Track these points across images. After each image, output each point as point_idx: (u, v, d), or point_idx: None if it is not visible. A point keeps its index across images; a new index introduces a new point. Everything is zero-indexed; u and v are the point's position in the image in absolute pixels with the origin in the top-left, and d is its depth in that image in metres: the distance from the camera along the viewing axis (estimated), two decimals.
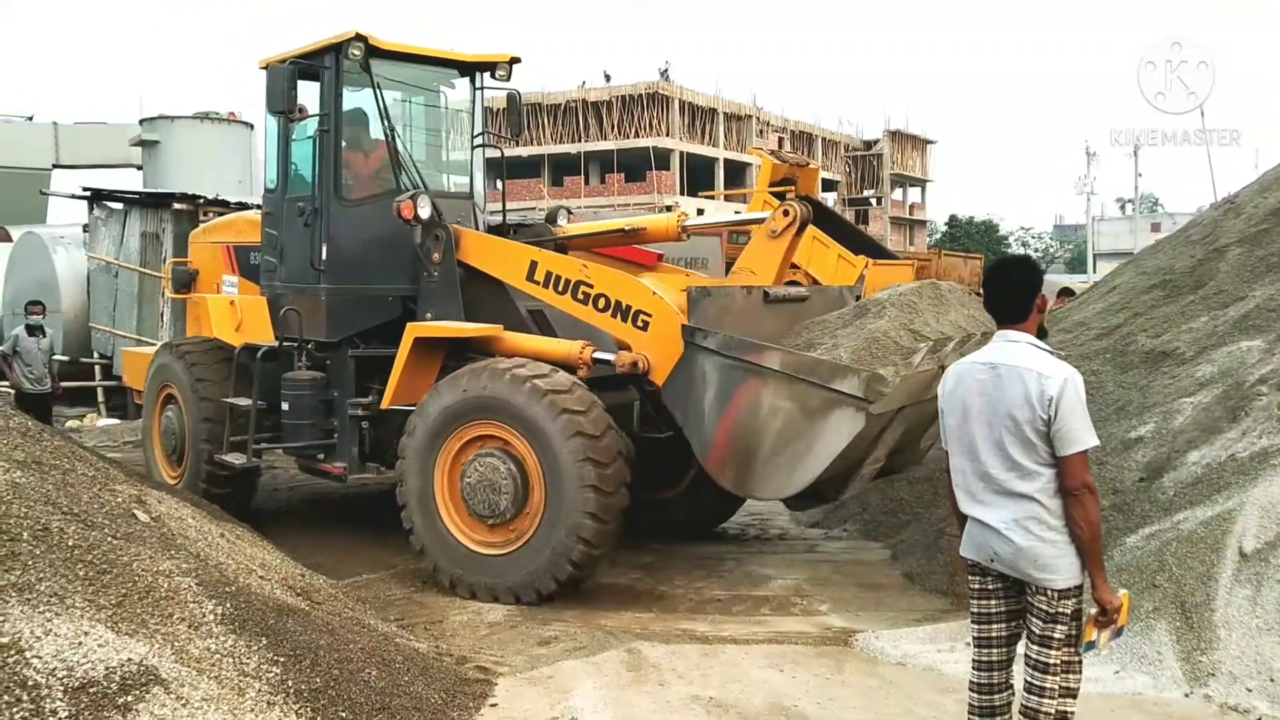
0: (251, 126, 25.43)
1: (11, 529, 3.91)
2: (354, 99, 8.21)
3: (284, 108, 7.76)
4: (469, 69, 8.58)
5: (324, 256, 7.89)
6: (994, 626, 3.79)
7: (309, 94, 8.09)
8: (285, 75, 7.65)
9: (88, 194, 17.00)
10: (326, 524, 9.26)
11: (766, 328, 6.83)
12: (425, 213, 7.62)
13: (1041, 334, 3.78)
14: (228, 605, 4.37)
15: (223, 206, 15.16)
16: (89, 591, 3.85)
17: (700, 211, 55.17)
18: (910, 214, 79.83)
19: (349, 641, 4.87)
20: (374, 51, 7.86)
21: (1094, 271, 48.24)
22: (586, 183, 59.68)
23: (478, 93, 8.65)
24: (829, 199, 64.83)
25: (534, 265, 7.43)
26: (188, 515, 5.78)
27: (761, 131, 64.86)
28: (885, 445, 6.44)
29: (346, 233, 7.92)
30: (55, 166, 28.67)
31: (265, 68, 8.05)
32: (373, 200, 8.08)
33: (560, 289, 7.23)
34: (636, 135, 58.66)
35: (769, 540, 8.42)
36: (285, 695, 4.02)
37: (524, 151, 60.90)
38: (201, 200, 15.66)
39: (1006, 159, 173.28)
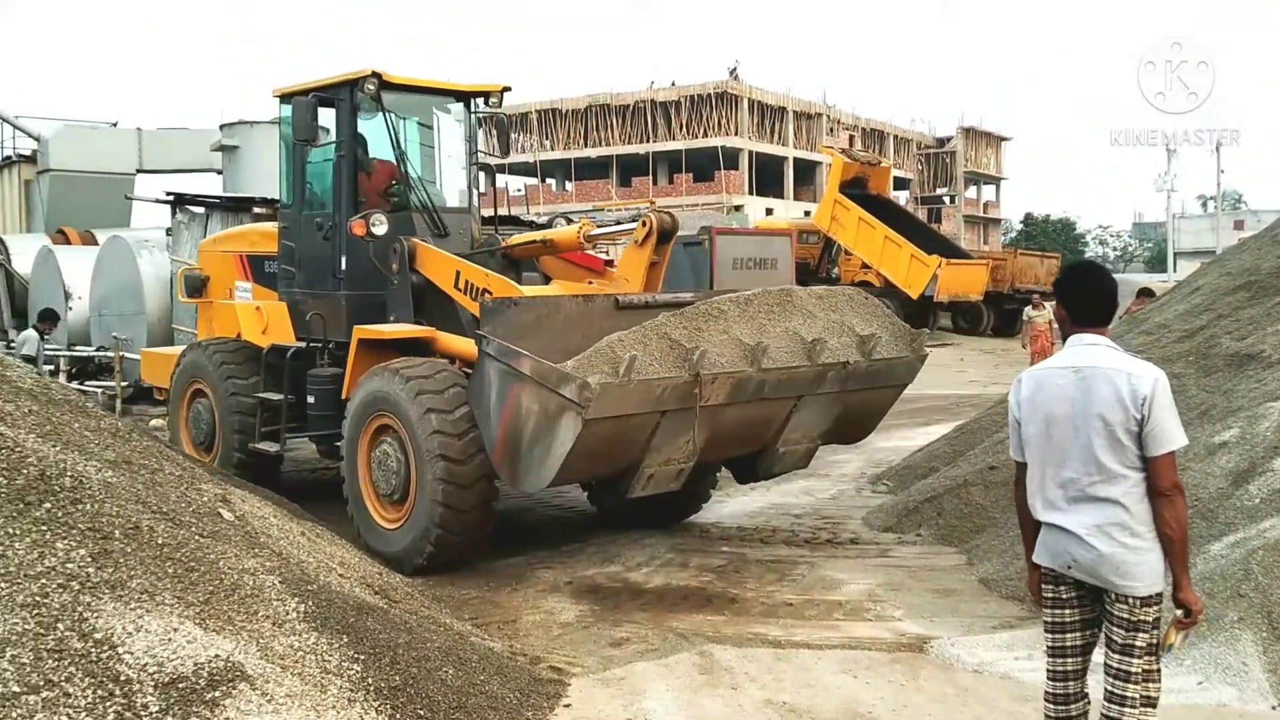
0: (328, 131, 25.79)
1: (104, 527, 4.02)
2: (365, 125, 9.09)
3: (308, 136, 8.69)
4: (465, 97, 9.53)
5: (343, 266, 8.85)
6: (1069, 635, 3.74)
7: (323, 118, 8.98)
8: (308, 107, 8.55)
9: (170, 198, 17.42)
10: None
11: (609, 332, 6.96)
12: (380, 230, 8.49)
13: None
14: (310, 603, 4.46)
15: None
16: (178, 589, 3.95)
17: (769, 211, 55.03)
18: (984, 212, 78.70)
19: (426, 640, 4.94)
20: (385, 84, 8.77)
21: (1174, 271, 47.09)
22: (654, 183, 59.76)
23: (472, 117, 9.62)
24: (901, 197, 64.11)
25: (458, 274, 8.28)
26: (269, 514, 5.91)
27: (832, 130, 64.41)
28: (679, 448, 7.05)
29: (362, 245, 8.62)
30: (139, 171, 29.41)
31: (281, 98, 9.35)
32: (363, 216, 8.70)
33: (473, 296, 8.05)
34: (705, 135, 58.60)
35: (841, 544, 8.37)
36: (365, 693, 4.10)
37: (592, 153, 61.23)
38: (279, 203, 15.98)
39: (1084, 155, 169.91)
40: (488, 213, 10.25)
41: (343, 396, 8.35)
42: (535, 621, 6.48)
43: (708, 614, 6.64)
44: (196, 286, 10.86)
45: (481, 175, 10.12)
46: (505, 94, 9.46)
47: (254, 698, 3.59)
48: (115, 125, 31.18)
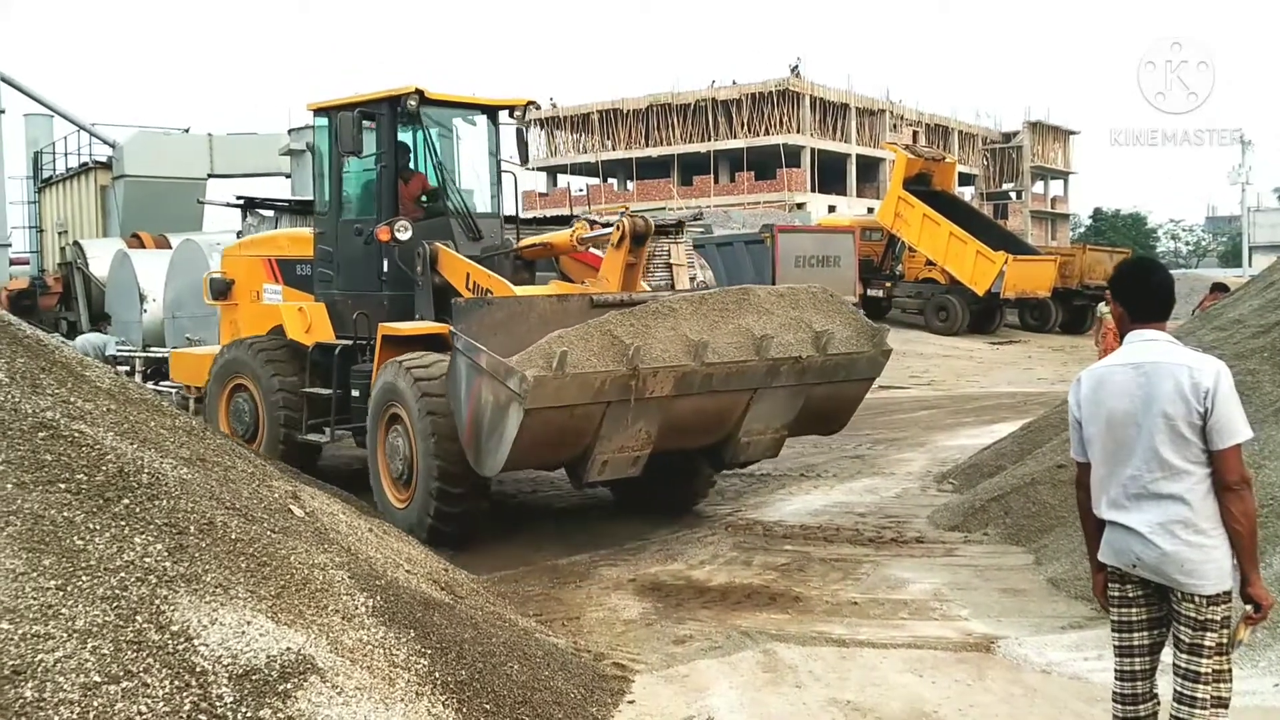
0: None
1: (180, 523, 4.13)
2: (402, 136, 9.68)
3: (354, 149, 9.25)
4: (492, 110, 10.12)
5: (385, 269, 9.36)
6: (1135, 635, 3.68)
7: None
8: (354, 121, 9.10)
9: (241, 202, 17.78)
10: None
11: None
12: (404, 235, 9.07)
13: None
14: (378, 598, 4.54)
15: None
16: (250, 583, 4.04)
17: (832, 209, 54.64)
18: (1052, 207, 77.40)
19: (491, 635, 5.00)
20: (424, 100, 9.33)
21: (1249, 265, 45.96)
22: (716, 181, 59.63)
23: (500, 128, 10.18)
24: (966, 193, 63.28)
25: (468, 276, 8.92)
26: (338, 510, 6.02)
27: (895, 126, 63.68)
28: (632, 437, 7.59)
29: (403, 248, 9.19)
30: (210, 176, 30.01)
31: (315, 111, 10.03)
32: (424, 221, 9.48)
33: (479, 294, 8.61)
34: (766, 133, 58.34)
35: (906, 543, 8.29)
36: (433, 686, 4.16)
37: (653, 152, 61.26)
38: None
39: (1155, 149, 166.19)
40: (528, 214, 11.18)
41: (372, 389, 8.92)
42: (599, 618, 6.52)
43: (771, 612, 6.63)
44: (222, 289, 11.42)
45: (513, 179, 10.73)
46: (529, 108, 10.09)
47: (324, 690, 3.66)
48: (187, 131, 31.85)
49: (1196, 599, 3.47)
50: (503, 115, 10.16)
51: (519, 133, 10.32)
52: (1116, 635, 3.73)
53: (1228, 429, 3.43)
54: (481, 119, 10.19)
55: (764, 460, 9.25)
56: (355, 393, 9.25)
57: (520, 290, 8.77)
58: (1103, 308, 19.93)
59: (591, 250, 9.52)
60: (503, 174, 10.37)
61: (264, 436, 10.17)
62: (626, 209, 10.00)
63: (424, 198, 9.87)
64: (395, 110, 9.34)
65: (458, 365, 7.48)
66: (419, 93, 9.22)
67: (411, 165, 9.85)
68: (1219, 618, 3.48)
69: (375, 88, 9.70)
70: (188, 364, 12.40)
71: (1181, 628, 3.52)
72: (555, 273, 10.06)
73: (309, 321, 9.97)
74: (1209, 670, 3.48)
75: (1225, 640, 3.50)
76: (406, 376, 8.11)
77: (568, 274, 10.01)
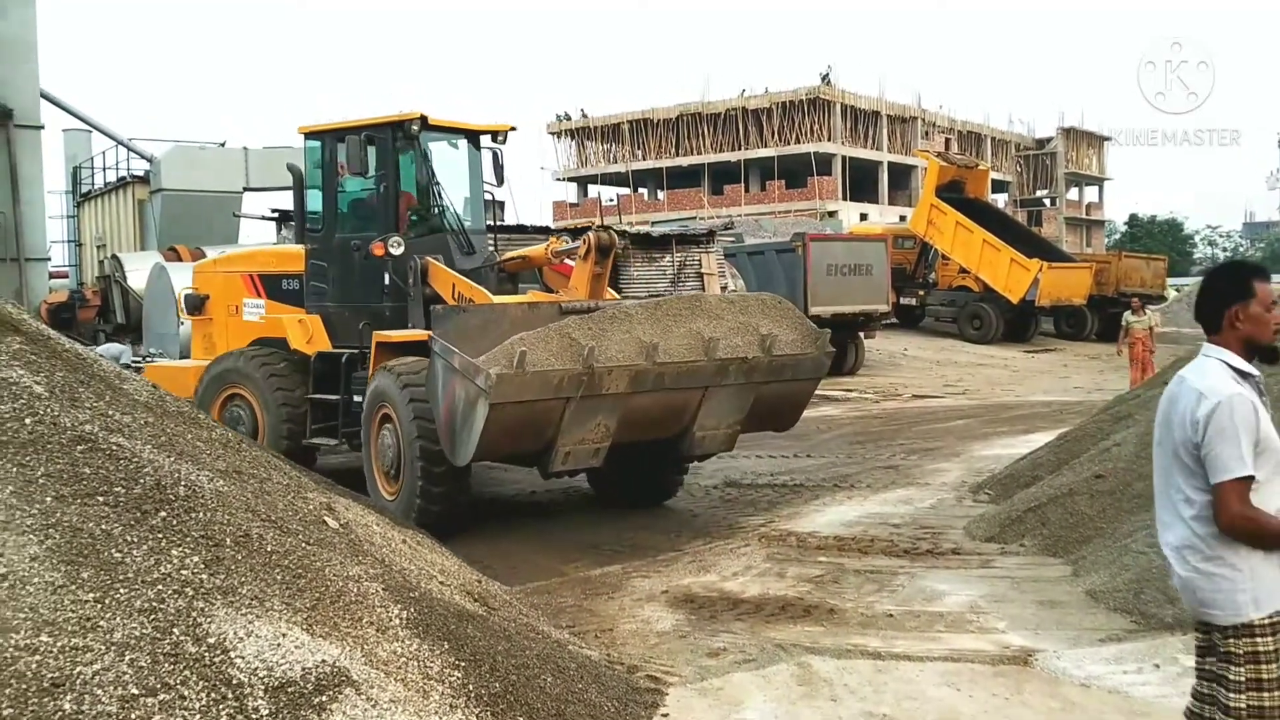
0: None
1: (216, 535, 4.15)
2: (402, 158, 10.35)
3: (360, 170, 9.92)
4: (482, 134, 10.92)
5: (386, 282, 9.96)
6: (1206, 659, 3.48)
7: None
8: (360, 143, 9.76)
9: (275, 215, 17.94)
10: (497, 531, 9.50)
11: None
12: (398, 251, 9.81)
13: (1268, 354, 3.45)
14: (412, 610, 4.54)
15: None
16: (286, 595, 4.05)
17: (863, 217, 54.47)
18: (1087, 214, 76.77)
19: (525, 648, 4.99)
20: (425, 125, 10.06)
21: None
22: (747, 190, 59.58)
23: (484, 151, 10.95)
24: (999, 200, 62.88)
25: (453, 287, 9.63)
26: (372, 522, 6.03)
27: (927, 133, 63.49)
28: (592, 430, 8.29)
29: (400, 262, 9.89)
30: (246, 189, 30.34)
31: (306, 135, 10.76)
32: (421, 238, 10.20)
33: (462, 303, 9.36)
34: (797, 141, 58.24)
35: (942, 555, 8.22)
36: (467, 699, 4.15)
37: (684, 161, 61.32)
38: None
39: (1192, 152, 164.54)
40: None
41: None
42: (632, 630, 6.50)
43: (806, 624, 6.59)
44: (196, 304, 11.94)
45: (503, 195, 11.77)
46: (510, 133, 10.94)
47: (359, 703, 3.67)
48: (223, 145, 32.23)
49: (1214, 629, 3.35)
50: (484, 139, 10.98)
51: (495, 155, 10.98)
52: (1195, 654, 3.61)
53: (1215, 464, 3.26)
54: (479, 140, 10.95)
55: (720, 453, 9.98)
56: (357, 398, 9.84)
57: (495, 299, 9.50)
58: (1128, 316, 19.65)
59: (567, 262, 10.22)
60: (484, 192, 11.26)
61: (264, 443, 10.31)
62: (593, 225, 10.98)
63: (412, 215, 10.55)
64: (394, 134, 10.04)
65: (435, 367, 8.28)
66: (423, 118, 10.00)
67: (408, 185, 10.50)
68: (1241, 651, 3.30)
69: (385, 107, 10.49)
70: (165, 376, 12.20)
71: (1209, 655, 3.42)
72: (538, 284, 11.00)
73: (310, 333, 10.52)
74: (1243, 706, 3.28)
75: (1257, 677, 3.29)
76: (395, 380, 8.88)
77: (550, 285, 10.86)
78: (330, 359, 10.28)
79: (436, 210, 10.48)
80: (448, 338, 8.21)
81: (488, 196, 11.38)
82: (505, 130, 10.88)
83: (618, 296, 10.05)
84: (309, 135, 10.76)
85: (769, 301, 9.42)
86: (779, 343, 8.90)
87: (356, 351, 10.04)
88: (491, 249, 11.05)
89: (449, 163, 10.79)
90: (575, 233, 12.59)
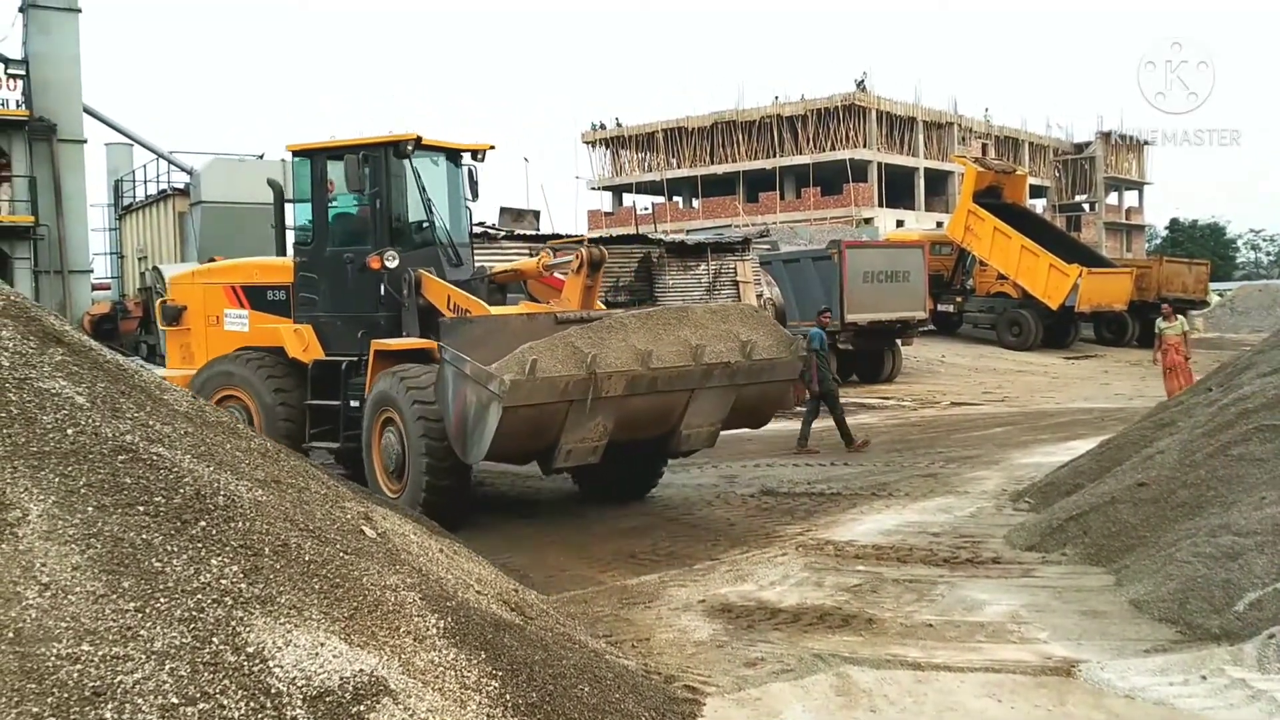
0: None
1: (255, 544, 4.17)
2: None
3: (359, 187, 10.50)
4: (457, 154, 11.46)
5: (381, 293, 10.53)
6: None
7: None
8: (357, 162, 10.39)
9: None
10: (533, 540, 9.51)
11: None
12: (393, 264, 10.39)
13: None
14: (449, 619, 4.54)
15: None
16: (324, 604, 4.07)
17: (900, 223, 54.17)
18: (1127, 219, 75.91)
19: (562, 657, 4.98)
20: (418, 145, 10.69)
21: None
22: (782, 197, 59.45)
23: (464, 169, 11.48)
24: (1037, 205, 62.34)
25: (449, 298, 10.28)
26: (409, 531, 6.05)
27: (964, 138, 63.04)
28: (592, 429, 8.87)
29: (393, 274, 10.47)
30: (286, 201, 30.59)
31: (295, 153, 11.24)
32: (416, 250, 10.80)
33: (458, 314, 9.96)
34: (832, 148, 58.06)
35: (982, 564, 8.13)
36: (504, 709, 4.14)
37: (719, 169, 61.31)
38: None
39: (1232, 155, 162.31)
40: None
41: (367, 395, 10.17)
42: (669, 640, 6.47)
43: (844, 634, 6.53)
44: (174, 315, 12.33)
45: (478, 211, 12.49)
46: (489, 151, 11.49)
47: (397, 712, 3.67)
48: (261, 157, 32.58)
49: None
50: (466, 157, 11.54)
51: (470, 172, 11.51)
52: None
53: None
54: (460, 158, 11.52)
55: (702, 450, 10.59)
56: (354, 404, 10.43)
57: (495, 310, 10.14)
58: (1160, 323, 19.30)
59: (557, 275, 10.94)
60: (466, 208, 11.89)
61: None
62: (584, 239, 11.61)
63: (404, 229, 11.05)
64: (388, 154, 10.59)
65: (445, 373, 8.82)
66: (418, 139, 10.64)
67: (400, 201, 11.06)
68: None
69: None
70: None
71: None
72: (524, 294, 11.66)
73: (306, 342, 11.01)
74: None
75: None
76: (400, 385, 9.48)
77: (535, 296, 11.55)
78: (328, 366, 10.79)
79: (426, 225, 11.07)
80: (457, 346, 8.77)
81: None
82: (485, 149, 11.51)
83: (605, 308, 10.92)
84: (298, 153, 11.24)
85: (746, 310, 10.53)
86: (757, 348, 9.67)
87: (357, 358, 10.53)
88: (480, 262, 11.74)
89: (435, 179, 11.32)
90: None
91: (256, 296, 11.75)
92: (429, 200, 11.02)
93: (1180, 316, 19.55)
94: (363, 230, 10.92)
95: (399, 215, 10.90)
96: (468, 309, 10.04)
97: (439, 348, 9.03)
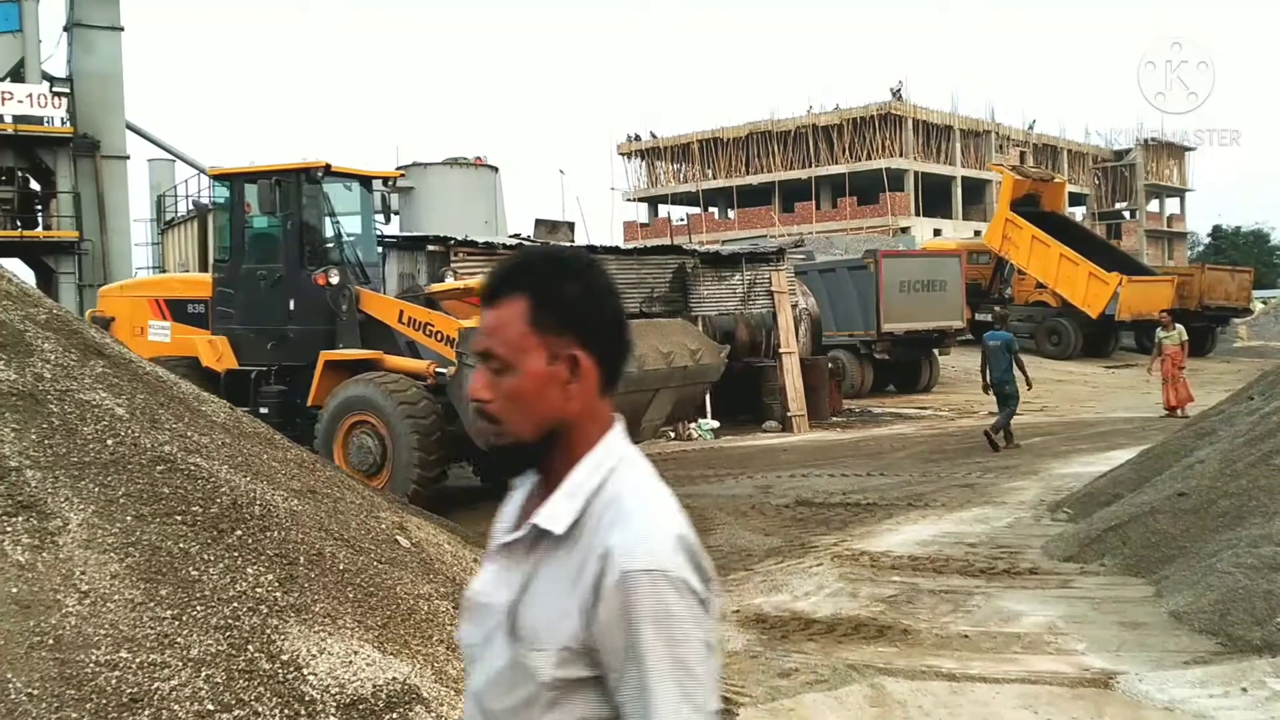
0: (496, 170, 26.58)
1: (290, 553, 4.23)
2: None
3: (272, 210, 11.29)
4: (369, 180, 12.37)
5: (291, 307, 11.36)
6: None
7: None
8: (270, 187, 11.13)
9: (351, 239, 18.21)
10: None
11: None
12: (335, 280, 11.22)
13: None
14: None
15: (470, 246, 15.97)
16: (358, 613, 4.11)
17: (937, 232, 53.82)
18: (1168, 226, 74.94)
19: None
20: (328, 172, 11.53)
21: None
22: (818, 207, 59.26)
23: (376, 194, 12.52)
24: (1077, 214, 61.72)
25: (401, 312, 11.17)
26: (444, 540, 6.09)
27: (1001, 146, 62.60)
28: None
29: (309, 290, 11.27)
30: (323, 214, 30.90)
31: (215, 178, 12.47)
32: (323, 269, 11.41)
33: (415, 328, 10.95)
34: (868, 157, 57.78)
35: (1019, 574, 8.05)
36: None
37: (754, 179, 61.22)
38: (451, 241, 16.55)
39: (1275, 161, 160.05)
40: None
41: (309, 403, 10.98)
42: None
43: (879, 645, 6.49)
44: (103, 326, 12.81)
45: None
46: (399, 179, 12.68)
47: None
48: None
49: None
50: (377, 183, 12.51)
51: (383, 197, 12.64)
52: None
53: None
54: (371, 184, 12.41)
55: (645, 444, 11.91)
56: (264, 410, 10.92)
57: (465, 323, 10.66)
58: (1159, 332, 18.96)
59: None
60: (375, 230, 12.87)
61: None
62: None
63: (314, 249, 11.79)
64: (300, 180, 11.36)
65: (462, 375, 9.59)
66: (327, 166, 11.48)
67: (311, 222, 11.90)
68: None
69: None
70: None
71: None
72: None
73: (220, 352, 11.67)
74: None
75: None
76: (378, 390, 10.33)
77: (452, 314, 11.95)
78: (240, 375, 11.50)
79: (334, 245, 11.86)
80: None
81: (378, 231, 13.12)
82: (395, 176, 12.73)
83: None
84: (216, 177, 12.15)
85: (687, 325, 12.79)
86: (699, 354, 11.50)
87: (268, 368, 11.41)
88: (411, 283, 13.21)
89: (347, 203, 12.19)
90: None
91: (178, 309, 12.44)
92: (337, 223, 11.88)
93: (1179, 326, 19.25)
94: (275, 249, 11.72)
95: (309, 236, 11.62)
96: (428, 321, 10.85)
97: (459, 354, 9.75)
